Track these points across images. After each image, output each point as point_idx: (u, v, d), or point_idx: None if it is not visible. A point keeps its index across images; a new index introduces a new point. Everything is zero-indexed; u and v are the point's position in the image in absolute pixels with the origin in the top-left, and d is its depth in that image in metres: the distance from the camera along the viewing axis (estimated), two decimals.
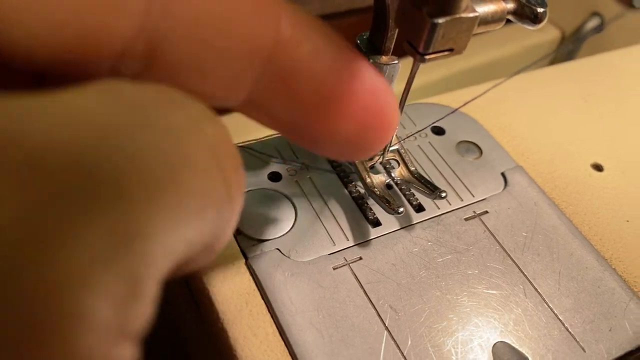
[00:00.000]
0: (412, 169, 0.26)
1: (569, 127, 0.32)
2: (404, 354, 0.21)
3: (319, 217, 0.25)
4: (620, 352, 0.22)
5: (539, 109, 0.33)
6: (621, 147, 0.31)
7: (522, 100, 0.33)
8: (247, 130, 0.26)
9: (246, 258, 0.24)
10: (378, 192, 0.25)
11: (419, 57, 0.17)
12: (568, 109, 0.33)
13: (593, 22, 0.51)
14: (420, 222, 0.26)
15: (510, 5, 0.19)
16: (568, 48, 0.53)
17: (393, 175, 0.26)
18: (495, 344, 0.22)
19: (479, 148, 0.29)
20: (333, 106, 0.15)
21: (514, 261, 0.25)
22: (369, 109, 0.15)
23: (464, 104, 0.30)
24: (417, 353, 0.21)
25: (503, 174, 0.28)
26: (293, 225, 0.25)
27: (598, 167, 0.30)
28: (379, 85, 0.16)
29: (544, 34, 0.56)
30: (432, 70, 0.50)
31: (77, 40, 0.12)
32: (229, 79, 0.14)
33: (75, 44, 0.12)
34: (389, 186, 0.26)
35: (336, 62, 0.14)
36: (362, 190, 0.26)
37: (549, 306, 0.23)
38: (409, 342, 0.22)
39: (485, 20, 0.18)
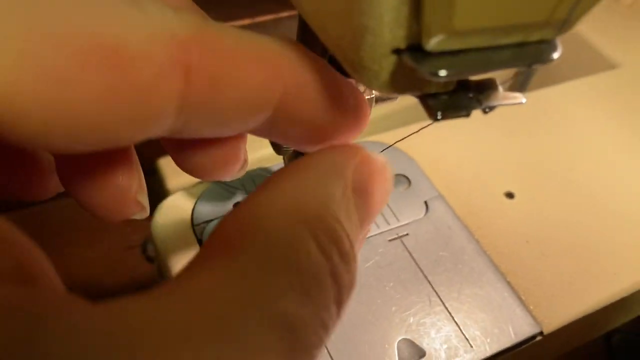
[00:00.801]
0: None
1: (489, 159, 0.38)
2: (328, 350, 0.28)
3: None
4: (500, 348, 0.29)
5: (465, 143, 0.39)
6: (532, 176, 0.38)
7: (454, 136, 0.40)
8: None
9: None
10: None
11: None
12: (491, 142, 0.40)
13: None
14: None
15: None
16: (520, 79, 0.59)
17: None
18: (399, 341, 0.28)
19: (409, 180, 0.36)
20: (330, 124, 0.18)
21: (424, 275, 0.31)
22: (357, 117, 0.19)
23: (398, 141, 0.37)
24: (338, 349, 0.28)
25: (425, 202, 0.34)
26: None
27: (510, 195, 0.36)
28: (361, 96, 0.19)
29: None
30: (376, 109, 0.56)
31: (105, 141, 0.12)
32: (243, 126, 0.16)
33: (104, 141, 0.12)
34: None
35: (329, 89, 0.17)
36: None
37: (447, 310, 0.29)
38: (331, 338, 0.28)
39: None
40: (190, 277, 0.12)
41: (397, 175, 0.36)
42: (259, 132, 0.17)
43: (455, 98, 0.18)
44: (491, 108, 0.18)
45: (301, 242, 0.14)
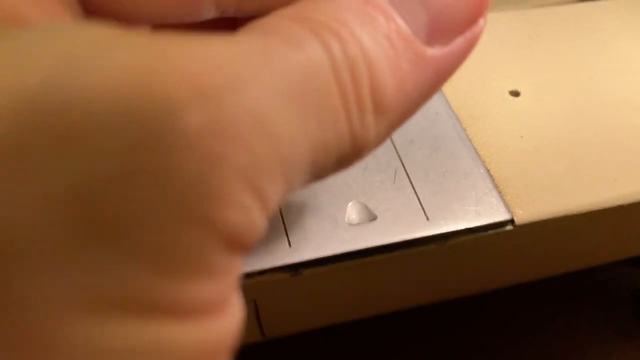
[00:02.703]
0: None
1: (500, 56, 0.36)
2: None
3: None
4: (461, 227, 0.27)
5: (486, 47, 0.37)
6: (546, 79, 0.35)
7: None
8: None
9: None
10: None
11: None
12: (509, 40, 0.38)
13: None
14: None
15: None
16: None
17: None
18: (351, 203, 0.28)
19: None
20: None
21: (396, 150, 0.30)
22: None
23: None
24: (290, 206, 0.28)
25: None
26: None
27: (515, 93, 0.34)
28: None
29: None
30: None
31: None
32: None
33: None
34: None
35: None
36: None
37: (411, 184, 0.29)
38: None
39: None
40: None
41: None
42: None
43: None
44: None
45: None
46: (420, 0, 0.15)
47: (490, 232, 0.28)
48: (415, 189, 0.29)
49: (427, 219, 0.27)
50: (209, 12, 0.16)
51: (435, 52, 0.15)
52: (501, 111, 0.33)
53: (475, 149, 0.31)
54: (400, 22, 0.15)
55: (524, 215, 0.28)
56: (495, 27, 0.39)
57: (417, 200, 0.28)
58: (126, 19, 0.16)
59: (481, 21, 0.16)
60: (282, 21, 0.14)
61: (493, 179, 0.29)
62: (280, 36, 0.13)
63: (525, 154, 0.31)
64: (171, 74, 0.10)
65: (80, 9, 0.15)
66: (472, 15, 0.16)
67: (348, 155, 0.14)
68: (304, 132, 0.13)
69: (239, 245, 0.11)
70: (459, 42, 0.16)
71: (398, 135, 0.31)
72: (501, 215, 0.28)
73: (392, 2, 0.15)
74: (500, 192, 0.29)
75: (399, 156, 0.30)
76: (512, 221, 0.28)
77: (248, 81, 0.11)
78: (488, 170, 0.30)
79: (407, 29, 0.15)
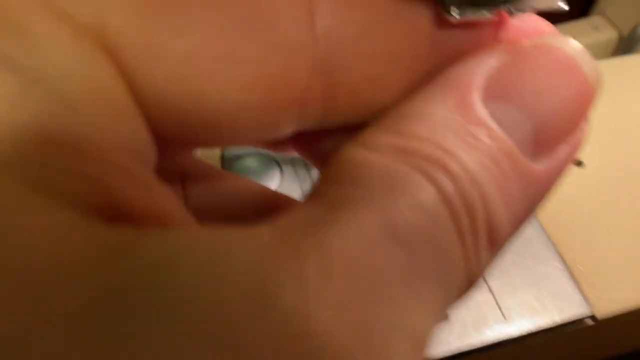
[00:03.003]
0: None
1: None
2: None
3: (300, 185, 0.31)
4: (541, 326, 0.26)
5: None
6: (610, 145, 0.34)
7: None
8: None
9: None
10: None
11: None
12: None
13: None
14: None
15: None
16: (623, 49, 0.53)
17: None
18: None
19: None
20: None
21: None
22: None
23: None
24: None
25: None
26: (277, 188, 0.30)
27: (579, 163, 0.33)
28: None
29: (601, 34, 0.57)
30: None
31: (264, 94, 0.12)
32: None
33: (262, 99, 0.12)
34: None
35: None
36: None
37: (483, 277, 0.27)
38: None
39: None
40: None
41: None
42: None
43: None
44: (520, 10, 0.16)
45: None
46: (523, 108, 0.13)
47: (569, 329, 0.26)
48: (489, 284, 0.27)
49: (504, 318, 0.26)
50: (289, 132, 0.14)
51: (541, 166, 0.14)
52: (567, 184, 0.31)
53: (542, 227, 0.29)
54: (504, 138, 0.13)
55: (605, 308, 0.26)
56: None
57: (492, 297, 0.26)
58: (197, 144, 0.15)
59: (584, 125, 0.15)
60: (384, 159, 0.12)
61: (567, 265, 0.28)
62: (388, 184, 0.12)
63: (597, 235, 0.29)
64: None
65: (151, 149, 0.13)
66: (577, 118, 0.14)
67: (462, 293, 0.13)
68: (424, 308, 0.12)
69: None
70: (564, 151, 0.14)
71: None
72: (581, 310, 0.26)
73: (493, 114, 0.13)
74: (575, 280, 0.27)
75: None
76: (592, 316, 0.26)
77: (378, 290, 0.10)
78: (560, 254, 0.28)
79: (512, 145, 0.13)
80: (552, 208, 0.30)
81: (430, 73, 0.14)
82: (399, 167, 0.12)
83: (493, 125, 0.13)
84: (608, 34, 0.56)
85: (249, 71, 0.12)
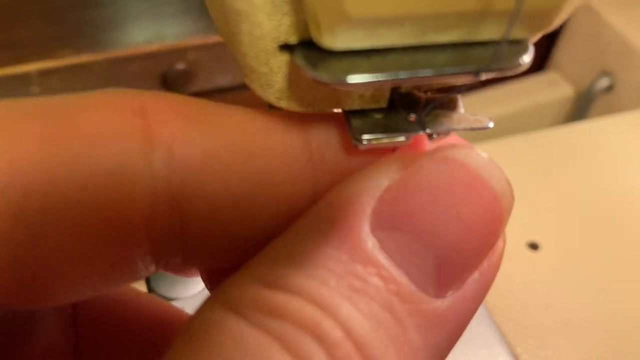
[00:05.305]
0: None
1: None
2: None
3: None
4: None
5: None
6: (567, 224, 0.32)
7: None
8: None
9: None
10: None
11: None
12: (518, 178, 0.34)
13: (604, 82, 0.51)
14: None
15: None
16: (580, 104, 0.53)
17: None
18: None
19: None
20: None
21: None
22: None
23: None
24: None
25: None
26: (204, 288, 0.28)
27: (534, 246, 0.31)
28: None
29: (557, 90, 0.57)
30: None
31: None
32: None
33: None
34: None
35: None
36: None
37: None
38: None
39: None
40: None
41: None
42: None
43: (392, 118, 0.14)
44: (441, 134, 0.14)
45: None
46: (421, 238, 0.11)
47: None
48: None
49: None
50: (149, 269, 0.12)
51: (447, 302, 0.12)
52: (522, 272, 0.30)
53: (498, 327, 0.27)
54: (398, 277, 0.11)
55: None
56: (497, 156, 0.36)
57: None
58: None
59: (500, 243, 0.13)
60: (245, 328, 0.10)
61: None
62: None
63: (555, 331, 0.27)
64: None
65: None
66: (489, 243, 0.12)
67: None
68: None
69: None
70: (475, 281, 0.12)
71: None
72: None
73: (385, 246, 0.11)
74: None
75: None
76: None
77: None
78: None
79: (408, 285, 0.11)
80: (509, 302, 0.29)
81: (314, 197, 0.12)
82: (260, 342, 0.10)
83: (384, 262, 0.11)
84: (564, 90, 0.56)
85: (79, 210, 0.10)
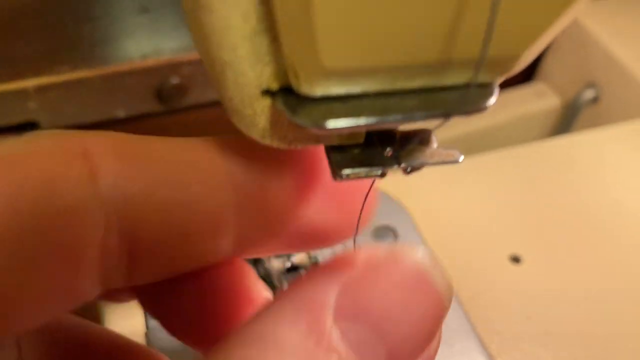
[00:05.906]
0: (312, 255, 0.29)
1: (496, 214, 0.34)
2: None
3: None
4: None
5: (470, 194, 0.35)
6: (549, 238, 0.33)
7: (457, 184, 0.36)
8: None
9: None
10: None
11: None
12: (503, 194, 0.35)
13: (589, 93, 0.53)
14: None
15: None
16: (565, 118, 0.54)
17: (293, 260, 0.30)
18: None
19: (395, 233, 0.32)
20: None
21: None
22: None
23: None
24: None
25: None
26: None
27: (516, 259, 0.32)
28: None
29: (544, 101, 0.58)
30: None
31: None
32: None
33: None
34: (288, 270, 0.30)
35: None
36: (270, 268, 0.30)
37: None
38: None
39: None
40: None
41: (382, 227, 0.32)
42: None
43: (369, 152, 0.15)
44: (415, 168, 0.15)
45: None
46: (375, 330, 0.13)
47: None
48: None
49: None
50: (96, 291, 0.14)
51: None
52: (503, 285, 0.31)
53: (480, 338, 0.28)
54: None
55: None
56: (483, 173, 0.37)
57: None
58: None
59: (439, 333, 0.14)
60: None
61: None
62: None
63: (536, 341, 0.28)
64: None
65: None
66: (432, 335, 0.14)
67: None
68: None
69: None
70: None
71: None
72: None
73: (346, 335, 0.13)
74: None
75: None
76: None
77: None
78: None
79: None
80: (490, 313, 0.29)
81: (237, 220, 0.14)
82: None
83: (344, 350, 0.13)
84: (551, 101, 0.57)
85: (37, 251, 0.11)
